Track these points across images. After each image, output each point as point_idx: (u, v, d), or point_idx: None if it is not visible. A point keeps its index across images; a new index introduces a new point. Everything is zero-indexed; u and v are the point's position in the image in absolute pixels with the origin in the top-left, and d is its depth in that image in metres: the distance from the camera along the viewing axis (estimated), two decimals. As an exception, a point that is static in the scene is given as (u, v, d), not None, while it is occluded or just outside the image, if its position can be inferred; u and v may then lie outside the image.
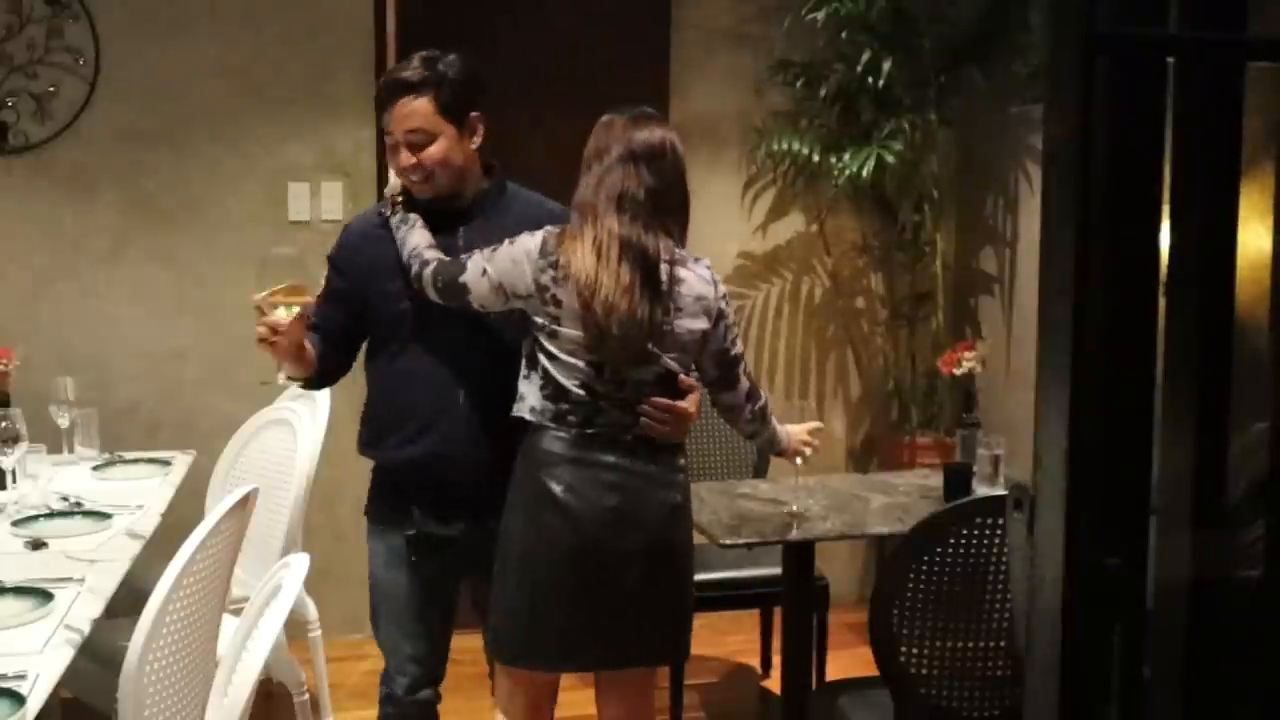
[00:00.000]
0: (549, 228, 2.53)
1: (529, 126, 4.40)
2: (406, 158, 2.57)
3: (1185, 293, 1.20)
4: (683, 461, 2.60)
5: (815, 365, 4.96)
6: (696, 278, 2.56)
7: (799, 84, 4.65)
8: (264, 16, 4.32)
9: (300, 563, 2.32)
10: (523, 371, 2.56)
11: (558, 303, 2.46)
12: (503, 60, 4.48)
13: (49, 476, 3.41)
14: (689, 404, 2.56)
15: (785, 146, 4.58)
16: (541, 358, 2.50)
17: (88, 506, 3.12)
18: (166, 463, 3.60)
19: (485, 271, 2.49)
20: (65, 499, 3.20)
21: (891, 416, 4.91)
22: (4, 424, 3.16)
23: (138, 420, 4.30)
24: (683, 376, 2.57)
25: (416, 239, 2.58)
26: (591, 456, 2.49)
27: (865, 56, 4.42)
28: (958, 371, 3.96)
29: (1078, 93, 1.13)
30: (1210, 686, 1.22)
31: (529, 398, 2.53)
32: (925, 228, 4.72)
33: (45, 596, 2.40)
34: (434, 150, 2.57)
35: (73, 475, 3.48)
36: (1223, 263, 1.20)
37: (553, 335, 2.48)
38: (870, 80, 4.42)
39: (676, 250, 2.55)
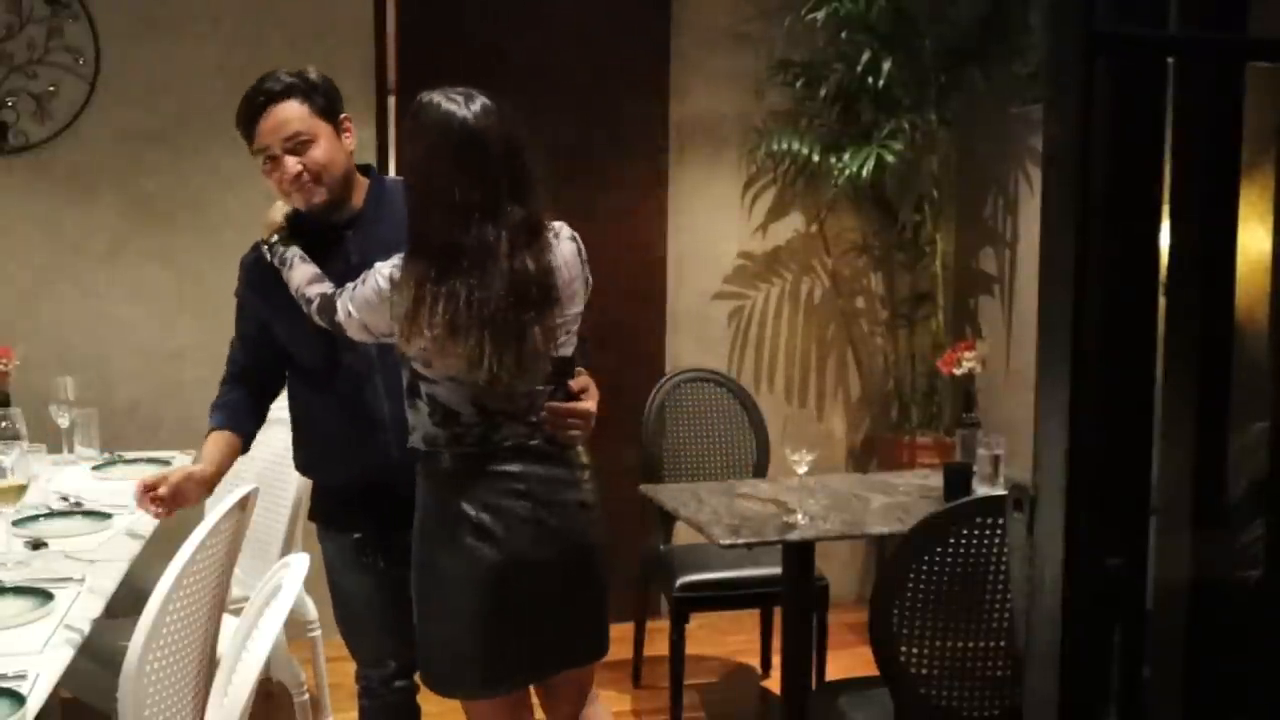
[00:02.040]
0: (396, 261, 2.34)
1: (529, 128, 4.40)
2: (292, 165, 2.48)
3: (1185, 293, 1.20)
4: (586, 460, 2.50)
5: (815, 365, 4.96)
6: (567, 259, 2.40)
7: (799, 84, 4.66)
8: (264, 17, 4.32)
9: (300, 563, 2.32)
10: (406, 402, 2.42)
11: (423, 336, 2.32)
12: (502, 62, 4.48)
13: (49, 476, 3.41)
14: (590, 402, 2.49)
15: (785, 146, 4.58)
16: (423, 386, 2.37)
17: (88, 506, 3.12)
18: (166, 462, 3.59)
19: (350, 313, 2.38)
20: (65, 499, 3.20)
21: (891, 416, 4.91)
22: (4, 424, 3.16)
23: (138, 420, 4.30)
24: (576, 380, 2.48)
25: (298, 277, 2.49)
26: (497, 469, 2.38)
27: (865, 56, 4.42)
28: (958, 371, 3.96)
29: (1078, 93, 1.13)
30: (1210, 686, 1.22)
31: (420, 427, 2.40)
32: (925, 228, 4.73)
33: (45, 596, 2.40)
34: (317, 153, 2.49)
35: (73, 475, 3.48)
36: (1223, 263, 1.20)
37: (428, 364, 2.35)
38: (870, 80, 4.42)
39: (546, 230, 2.37)
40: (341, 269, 2.51)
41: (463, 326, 2.27)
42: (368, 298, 2.36)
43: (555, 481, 2.42)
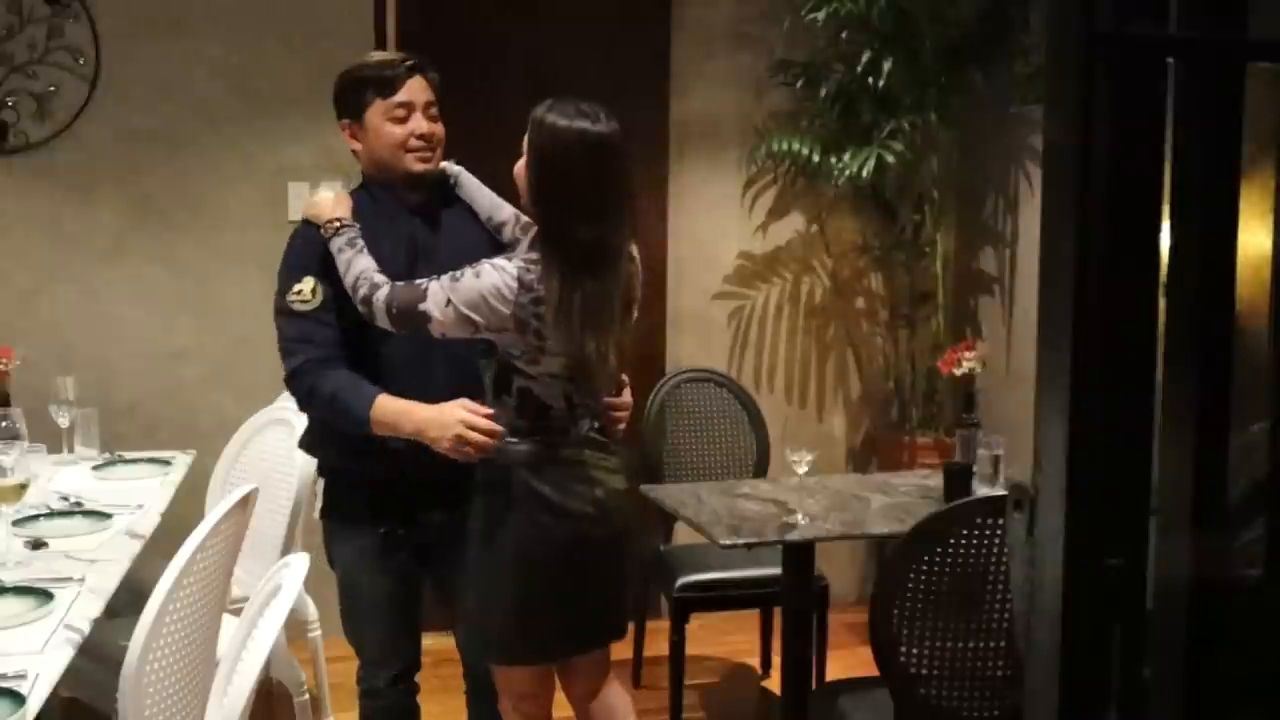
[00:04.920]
0: (521, 262, 2.46)
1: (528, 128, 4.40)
2: (427, 125, 2.67)
3: (1185, 293, 1.20)
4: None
5: (815, 365, 4.96)
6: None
7: (799, 84, 4.65)
8: (264, 17, 4.32)
9: (300, 563, 2.32)
10: (490, 395, 2.55)
11: (541, 336, 2.47)
12: (502, 63, 4.48)
13: (49, 476, 3.41)
14: (629, 395, 2.74)
15: (785, 147, 4.58)
16: (517, 380, 2.53)
17: (88, 506, 3.12)
18: (166, 463, 3.60)
19: (449, 302, 2.45)
20: (65, 499, 3.20)
21: (891, 416, 4.91)
22: (4, 424, 3.16)
23: (138, 420, 4.30)
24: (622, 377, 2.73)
25: (365, 262, 2.55)
26: (572, 456, 2.58)
27: (865, 56, 4.42)
28: (958, 371, 3.96)
29: (1078, 93, 1.12)
30: (1210, 686, 1.22)
31: (501, 419, 2.54)
32: (925, 228, 4.73)
33: (45, 596, 2.41)
34: (439, 130, 2.71)
35: (73, 475, 3.48)
36: (1223, 263, 1.20)
37: (534, 362, 2.51)
38: (870, 80, 4.42)
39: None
40: (401, 252, 2.62)
41: (590, 324, 2.48)
42: (485, 293, 2.44)
43: (609, 468, 2.64)
